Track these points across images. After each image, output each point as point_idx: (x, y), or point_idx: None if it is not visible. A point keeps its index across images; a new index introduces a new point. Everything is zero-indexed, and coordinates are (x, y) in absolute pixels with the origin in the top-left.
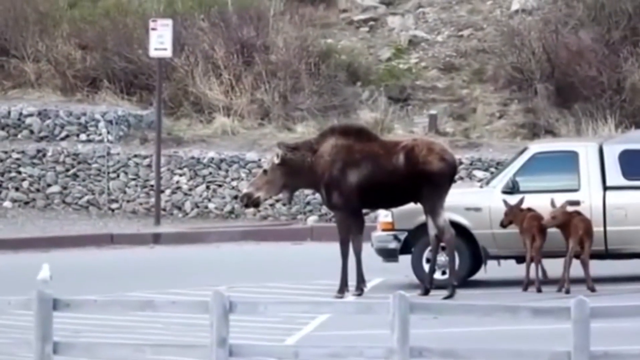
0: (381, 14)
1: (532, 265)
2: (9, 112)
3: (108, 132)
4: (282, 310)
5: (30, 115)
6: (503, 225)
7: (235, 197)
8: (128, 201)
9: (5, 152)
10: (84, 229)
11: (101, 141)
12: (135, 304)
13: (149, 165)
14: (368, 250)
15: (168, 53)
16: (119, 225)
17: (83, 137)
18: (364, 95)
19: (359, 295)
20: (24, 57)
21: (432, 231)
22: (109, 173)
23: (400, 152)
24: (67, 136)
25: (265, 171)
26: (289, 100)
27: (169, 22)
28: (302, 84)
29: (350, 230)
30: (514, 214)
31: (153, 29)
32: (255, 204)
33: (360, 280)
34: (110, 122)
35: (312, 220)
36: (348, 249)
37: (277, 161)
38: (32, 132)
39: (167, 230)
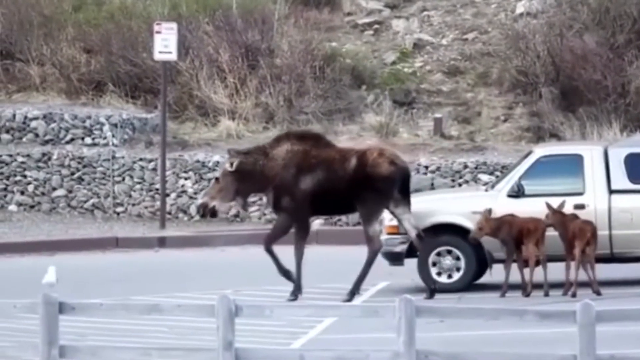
0: (386, 17)
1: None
2: (14, 116)
3: (113, 136)
4: (287, 313)
5: (35, 118)
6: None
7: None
8: (133, 205)
9: (11, 156)
10: (89, 233)
11: (106, 145)
12: (141, 307)
13: (154, 169)
14: None
15: (173, 56)
16: (124, 228)
17: (88, 140)
18: (369, 99)
19: (294, 300)
20: (29, 60)
21: (412, 233)
22: (114, 176)
23: (353, 156)
24: (72, 139)
25: (217, 179)
26: (294, 104)
27: (174, 25)
28: (306, 88)
29: (282, 237)
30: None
31: (157, 32)
32: (212, 213)
33: (298, 287)
34: (115, 125)
35: (317, 223)
36: (273, 251)
37: (229, 168)
38: (37, 135)
39: (173, 234)
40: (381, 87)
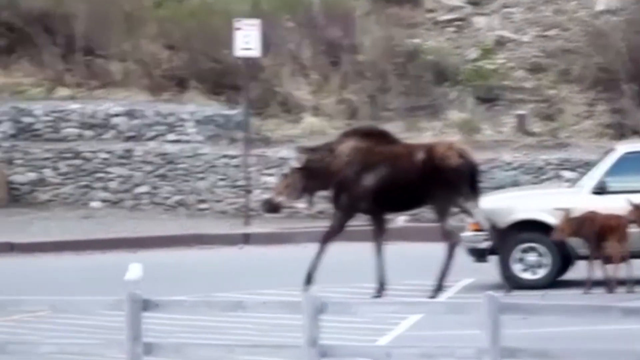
0: (467, 14)
1: None
2: (96, 112)
3: (196, 132)
4: (373, 310)
5: (118, 115)
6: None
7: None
8: (217, 201)
9: (93, 152)
10: (173, 229)
11: (189, 141)
12: (225, 304)
13: (237, 166)
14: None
15: (255, 53)
16: (208, 225)
17: (171, 137)
18: (452, 96)
19: (378, 297)
20: (111, 56)
21: (486, 224)
22: (197, 173)
23: (421, 150)
24: (155, 136)
25: (285, 175)
26: (377, 101)
27: (256, 22)
28: (389, 84)
29: (339, 236)
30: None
31: (238, 28)
32: (276, 208)
33: (383, 282)
34: (199, 122)
35: (402, 220)
36: (324, 252)
37: (297, 165)
38: (119, 132)
39: (257, 231)
40: (464, 83)
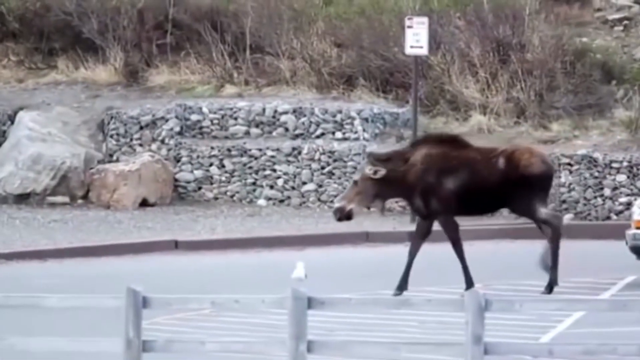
0: (635, 13)
1: None
2: (264, 110)
3: (364, 130)
4: (537, 308)
5: (285, 112)
6: None
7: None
8: None
9: (260, 150)
10: (339, 227)
11: (357, 139)
12: (391, 302)
13: None
14: (622, 248)
15: (424, 51)
16: (374, 223)
17: (339, 135)
18: (619, 94)
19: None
20: (279, 54)
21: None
22: None
23: (499, 156)
24: (322, 134)
25: (355, 182)
26: (545, 99)
27: (425, 20)
28: (557, 83)
29: (459, 230)
30: None
31: (409, 26)
32: (348, 216)
33: (404, 283)
34: (366, 120)
35: (568, 218)
36: (463, 249)
37: (370, 173)
38: (286, 129)
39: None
40: (631, 82)
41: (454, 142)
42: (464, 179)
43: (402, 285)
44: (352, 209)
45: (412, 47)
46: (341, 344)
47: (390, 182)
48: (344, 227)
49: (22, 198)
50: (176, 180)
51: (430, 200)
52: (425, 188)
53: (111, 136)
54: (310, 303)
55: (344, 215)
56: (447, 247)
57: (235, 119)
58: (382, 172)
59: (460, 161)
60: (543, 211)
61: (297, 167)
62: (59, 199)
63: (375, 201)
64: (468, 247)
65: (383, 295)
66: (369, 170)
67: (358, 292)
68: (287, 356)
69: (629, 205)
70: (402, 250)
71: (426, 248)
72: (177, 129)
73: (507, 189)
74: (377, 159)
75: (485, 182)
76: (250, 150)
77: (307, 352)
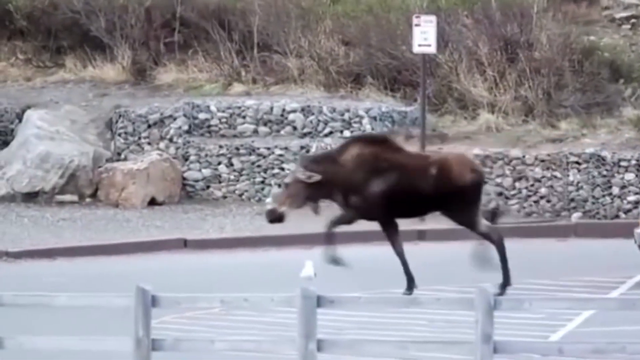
0: None
1: None
2: (272, 108)
3: (372, 129)
4: (546, 306)
5: (294, 111)
6: None
7: (500, 194)
8: None
9: (268, 149)
10: (349, 226)
11: None
12: (400, 301)
13: None
14: (630, 246)
15: (432, 49)
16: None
17: (347, 133)
18: (627, 93)
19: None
20: (287, 52)
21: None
22: None
23: (431, 164)
24: (330, 132)
25: (287, 185)
26: (553, 97)
27: (433, 18)
28: (565, 81)
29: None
30: None
31: (416, 25)
32: (280, 218)
33: (410, 281)
34: (375, 118)
35: (576, 216)
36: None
37: (301, 177)
38: (295, 128)
39: (432, 227)
40: (638, 80)
41: (385, 143)
42: (392, 182)
43: (410, 284)
44: (284, 212)
45: (420, 45)
46: (350, 342)
47: (321, 184)
48: (356, 225)
49: (31, 196)
50: (184, 179)
51: (350, 196)
52: (354, 187)
53: (119, 135)
54: (320, 301)
55: (275, 218)
56: (450, 246)
57: (244, 117)
58: (316, 177)
59: (391, 164)
60: (484, 224)
61: None
62: (68, 197)
63: (307, 203)
64: (478, 246)
65: (392, 293)
66: (302, 175)
67: (367, 290)
68: (296, 355)
69: (637, 203)
70: (411, 249)
71: (435, 247)
72: (185, 127)
73: (438, 196)
74: (309, 161)
75: (414, 188)
76: (258, 148)
77: (317, 351)
